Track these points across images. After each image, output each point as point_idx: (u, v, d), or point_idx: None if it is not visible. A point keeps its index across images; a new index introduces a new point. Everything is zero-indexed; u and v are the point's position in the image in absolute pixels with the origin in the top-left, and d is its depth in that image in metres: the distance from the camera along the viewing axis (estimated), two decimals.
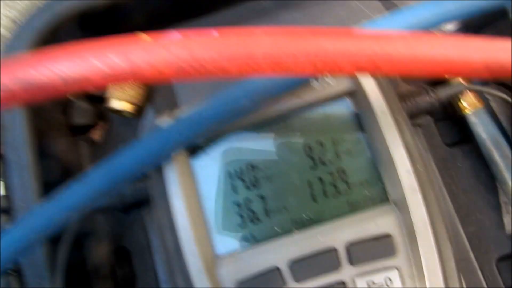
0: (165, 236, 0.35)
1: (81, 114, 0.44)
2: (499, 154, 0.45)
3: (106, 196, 0.33)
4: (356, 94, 0.36)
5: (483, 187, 0.47)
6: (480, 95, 0.46)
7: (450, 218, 0.42)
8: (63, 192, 0.31)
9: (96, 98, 0.47)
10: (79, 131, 0.46)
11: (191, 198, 0.36)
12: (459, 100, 0.46)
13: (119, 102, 0.44)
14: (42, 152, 0.41)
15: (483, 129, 0.45)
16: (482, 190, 0.47)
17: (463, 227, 0.45)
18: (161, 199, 0.35)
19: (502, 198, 0.47)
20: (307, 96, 0.36)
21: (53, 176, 0.43)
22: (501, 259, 0.47)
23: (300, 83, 0.33)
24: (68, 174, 0.44)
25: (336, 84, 0.35)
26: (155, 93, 0.42)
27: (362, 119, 0.37)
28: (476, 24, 0.47)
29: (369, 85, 0.34)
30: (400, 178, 0.34)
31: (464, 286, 0.36)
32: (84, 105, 0.45)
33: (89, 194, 0.31)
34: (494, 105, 0.47)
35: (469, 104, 0.45)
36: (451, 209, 0.42)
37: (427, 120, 0.48)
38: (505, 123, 0.47)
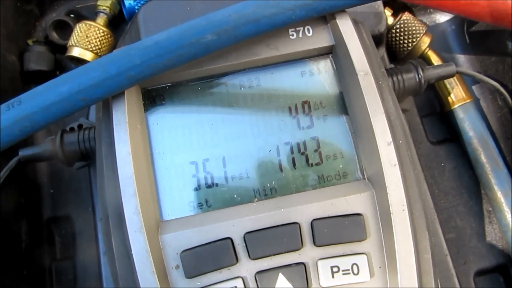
0: (105, 188, 0.30)
1: (39, 60, 0.40)
2: (486, 155, 0.41)
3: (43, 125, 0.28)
4: (337, 50, 0.32)
5: (466, 192, 0.44)
6: (470, 92, 0.43)
7: (430, 214, 0.38)
8: None
9: (56, 47, 0.42)
10: (33, 79, 0.41)
11: (139, 149, 0.31)
12: (449, 94, 0.43)
13: (82, 51, 0.40)
14: None
15: (471, 126, 0.42)
16: (465, 194, 0.44)
17: (442, 233, 0.41)
18: (106, 144, 0.31)
19: (486, 206, 0.44)
20: (284, 48, 0.32)
21: None
22: (480, 273, 0.43)
23: (274, 25, 0.29)
24: None
25: (315, 37, 0.32)
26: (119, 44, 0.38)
27: (341, 81, 0.33)
28: None
29: (352, 41, 0.31)
30: (379, 150, 0.30)
31: (439, 286, 0.32)
32: (42, 49, 0.41)
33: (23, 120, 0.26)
34: (484, 105, 0.44)
35: (458, 98, 0.42)
36: (431, 204, 0.38)
37: (412, 114, 0.45)
38: (494, 125, 0.44)
